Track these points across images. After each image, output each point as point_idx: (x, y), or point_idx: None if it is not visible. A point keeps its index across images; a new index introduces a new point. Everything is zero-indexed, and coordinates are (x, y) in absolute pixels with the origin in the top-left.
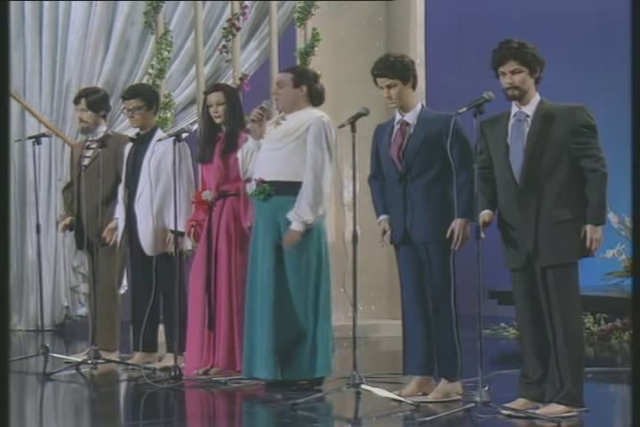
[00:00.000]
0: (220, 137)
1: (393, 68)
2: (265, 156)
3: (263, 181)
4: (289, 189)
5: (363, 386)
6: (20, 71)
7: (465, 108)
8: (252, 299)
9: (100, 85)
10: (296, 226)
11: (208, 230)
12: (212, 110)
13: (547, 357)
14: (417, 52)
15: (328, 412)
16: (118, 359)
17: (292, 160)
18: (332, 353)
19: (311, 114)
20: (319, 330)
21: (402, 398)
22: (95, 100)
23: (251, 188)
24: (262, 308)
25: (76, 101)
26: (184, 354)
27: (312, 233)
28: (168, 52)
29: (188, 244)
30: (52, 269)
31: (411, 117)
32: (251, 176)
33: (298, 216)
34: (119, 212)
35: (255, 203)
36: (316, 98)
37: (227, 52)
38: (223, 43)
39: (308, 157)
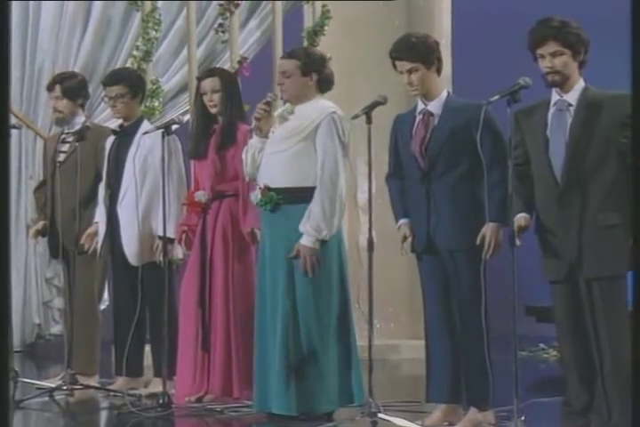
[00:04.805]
0: (215, 129)
1: (414, 50)
2: (270, 159)
3: (269, 189)
4: (300, 196)
5: (380, 415)
6: None
7: (497, 96)
8: (262, 321)
9: (77, 70)
10: (307, 241)
11: (202, 236)
12: (206, 98)
13: (592, 382)
14: (442, 32)
15: None
16: (98, 385)
17: (300, 163)
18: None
19: (322, 108)
20: (347, 355)
21: None
22: (71, 87)
23: (255, 197)
24: (273, 331)
25: (50, 88)
26: (174, 379)
27: (331, 245)
28: (156, 31)
29: (178, 252)
30: (21, 280)
31: (435, 107)
32: (255, 182)
33: (311, 229)
34: (99, 215)
35: (262, 212)
36: (325, 85)
37: (223, 32)
38: (219, 21)
39: (320, 159)
